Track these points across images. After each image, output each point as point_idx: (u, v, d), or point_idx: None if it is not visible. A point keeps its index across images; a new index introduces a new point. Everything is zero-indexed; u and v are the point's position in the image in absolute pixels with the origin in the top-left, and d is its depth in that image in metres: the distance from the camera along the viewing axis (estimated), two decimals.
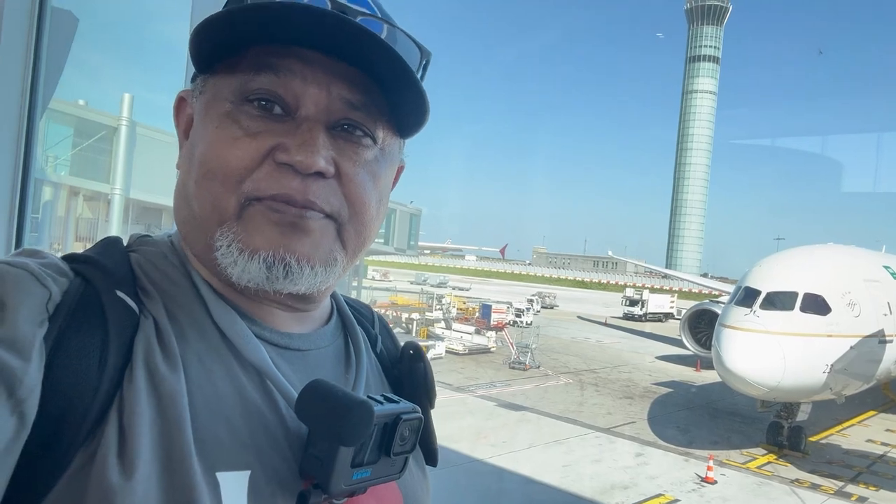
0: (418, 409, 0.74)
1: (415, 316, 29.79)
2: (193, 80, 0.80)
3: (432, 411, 0.95)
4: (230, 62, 0.74)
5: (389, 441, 0.71)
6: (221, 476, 0.65)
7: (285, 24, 0.70)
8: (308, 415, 0.68)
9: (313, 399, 0.67)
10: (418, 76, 0.79)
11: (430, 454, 0.94)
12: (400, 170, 0.90)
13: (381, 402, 0.71)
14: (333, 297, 0.93)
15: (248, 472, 0.67)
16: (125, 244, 0.80)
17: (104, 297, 0.68)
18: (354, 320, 0.93)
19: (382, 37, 0.72)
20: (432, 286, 53.59)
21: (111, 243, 0.79)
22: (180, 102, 0.84)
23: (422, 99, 0.77)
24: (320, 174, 0.73)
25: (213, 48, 0.74)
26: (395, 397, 0.74)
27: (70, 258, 0.72)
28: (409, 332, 28.66)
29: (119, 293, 0.69)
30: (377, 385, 0.91)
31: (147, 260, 0.77)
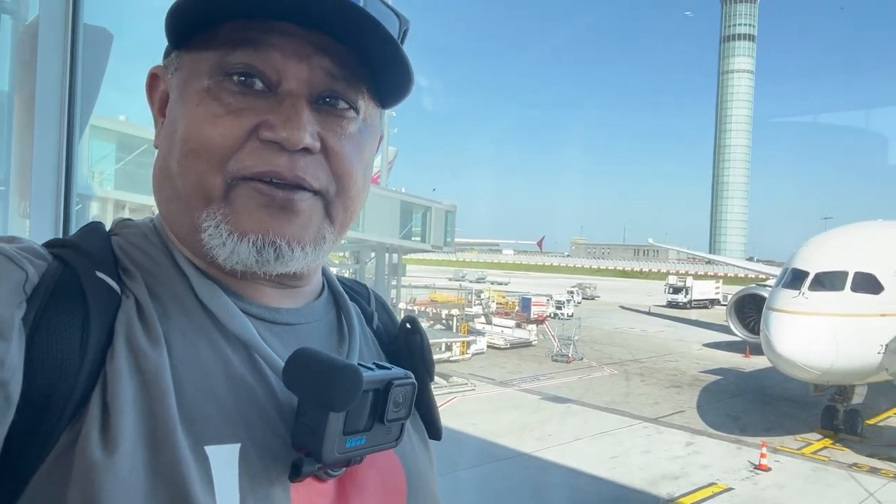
0: (411, 374, 0.73)
1: (454, 312, 29.75)
2: (167, 55, 0.79)
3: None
4: (205, 37, 0.73)
5: (382, 408, 0.70)
6: (210, 450, 0.64)
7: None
8: (296, 383, 0.67)
9: (300, 366, 0.67)
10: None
11: (433, 427, 0.93)
12: (379, 139, 0.88)
13: (372, 369, 0.70)
14: (325, 273, 0.92)
15: (237, 445, 0.67)
16: (108, 229, 0.80)
17: (83, 279, 0.67)
18: (346, 296, 0.92)
19: (360, 5, 0.71)
20: (471, 282, 53.52)
21: (92, 228, 0.79)
22: (153, 79, 0.82)
23: (406, 69, 0.75)
24: (307, 150, 0.72)
25: (190, 21, 0.73)
26: (387, 364, 0.73)
27: (50, 244, 0.73)
28: (449, 328, 28.65)
29: (99, 274, 0.69)
30: (373, 359, 0.88)
31: (128, 242, 0.77)
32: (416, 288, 38.41)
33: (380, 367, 0.72)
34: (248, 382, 0.72)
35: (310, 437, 0.67)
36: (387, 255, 26.81)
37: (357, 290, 1.00)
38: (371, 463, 0.74)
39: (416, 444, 0.87)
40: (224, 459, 0.65)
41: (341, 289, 0.93)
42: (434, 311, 30.80)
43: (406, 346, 0.92)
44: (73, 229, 1.73)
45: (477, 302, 34.54)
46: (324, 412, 0.66)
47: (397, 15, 0.79)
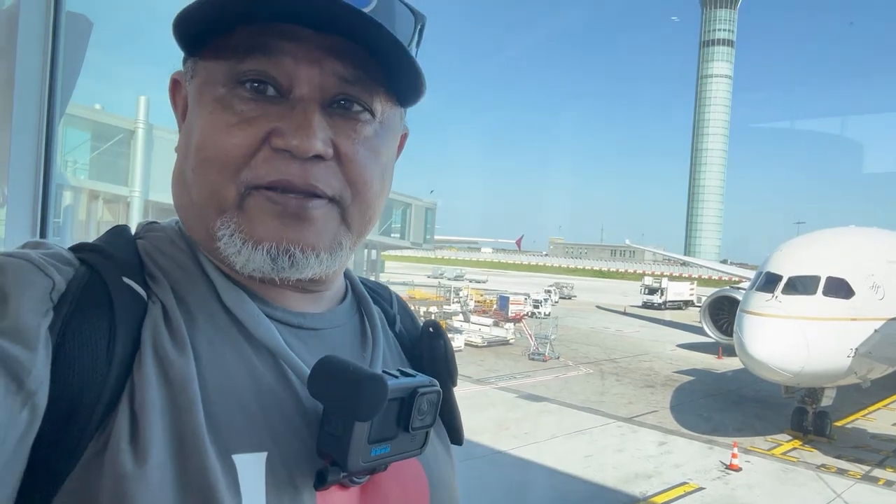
0: (436, 382, 0.72)
1: (433, 309, 29.78)
2: (185, 62, 0.79)
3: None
4: (218, 43, 0.72)
5: (407, 416, 0.69)
6: (238, 458, 0.64)
7: (272, 3, 0.68)
8: (321, 392, 0.67)
9: (325, 375, 0.66)
10: (413, 41, 0.78)
11: (455, 433, 0.92)
12: (404, 137, 0.88)
13: (397, 377, 0.70)
14: (348, 276, 0.92)
15: (264, 454, 0.66)
16: (133, 232, 0.80)
17: (110, 284, 0.67)
18: (370, 299, 0.92)
19: (373, 6, 0.71)
20: (449, 279, 53.59)
21: (118, 231, 0.78)
22: (175, 85, 0.82)
23: (415, 72, 0.74)
24: (319, 157, 0.71)
25: (200, 29, 0.72)
26: (412, 371, 0.73)
27: (77, 248, 0.72)
28: None
29: (125, 279, 0.68)
30: (396, 363, 0.89)
31: (154, 246, 0.77)
32: (395, 285, 38.32)
33: (404, 374, 0.71)
34: (275, 390, 0.71)
35: (335, 445, 0.67)
36: (365, 251, 26.75)
37: (379, 293, 1.00)
38: (395, 470, 0.74)
39: (438, 450, 0.87)
40: (251, 468, 0.65)
41: (365, 292, 0.92)
42: (412, 308, 30.73)
43: (429, 350, 0.91)
44: (51, 218, 1.70)
45: (455, 300, 34.62)
46: (349, 421, 0.65)
47: (412, 11, 0.78)
